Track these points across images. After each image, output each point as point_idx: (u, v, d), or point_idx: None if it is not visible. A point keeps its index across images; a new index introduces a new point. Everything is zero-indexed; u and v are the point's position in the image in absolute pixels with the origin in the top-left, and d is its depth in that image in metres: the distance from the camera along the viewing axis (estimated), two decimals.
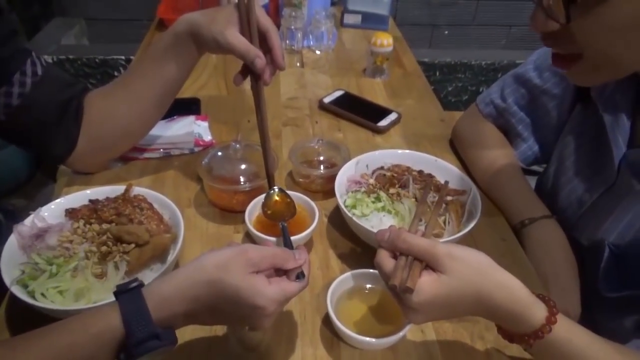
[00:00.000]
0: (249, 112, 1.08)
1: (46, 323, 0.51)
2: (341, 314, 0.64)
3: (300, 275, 0.56)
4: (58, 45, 2.23)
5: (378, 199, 0.78)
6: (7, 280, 0.63)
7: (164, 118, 0.91)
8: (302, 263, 0.56)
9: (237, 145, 0.86)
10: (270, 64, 0.76)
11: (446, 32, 2.49)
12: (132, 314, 0.49)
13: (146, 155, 0.94)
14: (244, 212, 0.77)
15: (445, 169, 0.85)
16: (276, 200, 0.77)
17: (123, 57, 2.17)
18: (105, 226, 0.70)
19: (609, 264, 0.71)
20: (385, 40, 1.22)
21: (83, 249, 0.67)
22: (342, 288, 0.68)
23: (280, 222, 0.72)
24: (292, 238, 0.74)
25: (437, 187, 0.80)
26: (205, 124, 1.03)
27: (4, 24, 0.74)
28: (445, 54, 2.33)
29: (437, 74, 2.30)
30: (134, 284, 0.51)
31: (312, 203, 0.79)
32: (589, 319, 0.73)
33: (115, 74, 2.21)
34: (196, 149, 0.97)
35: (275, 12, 1.55)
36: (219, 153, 0.87)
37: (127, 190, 0.76)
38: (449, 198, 0.79)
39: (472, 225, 0.73)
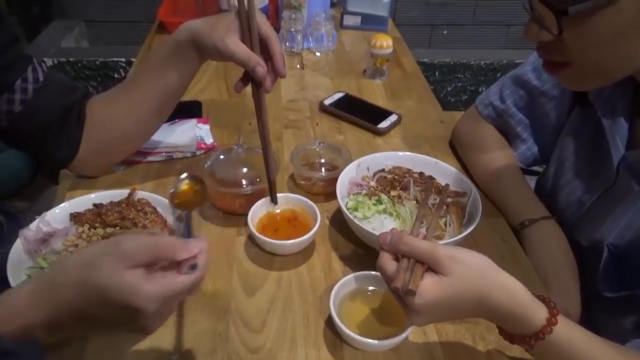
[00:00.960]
0: (250, 115, 1.08)
1: None
2: (344, 316, 0.65)
3: (193, 268, 0.49)
4: (58, 48, 2.23)
5: (379, 201, 0.79)
6: (14, 284, 0.63)
7: (166, 121, 0.91)
8: (196, 253, 0.49)
9: (240, 149, 0.86)
10: (272, 72, 0.76)
11: (445, 32, 2.50)
12: None
13: (149, 158, 0.95)
14: (246, 214, 0.78)
15: (445, 171, 0.86)
16: (184, 190, 0.68)
17: (123, 60, 2.18)
18: (109, 230, 0.71)
19: (608, 264, 0.71)
20: (385, 42, 1.22)
21: None
22: (344, 290, 0.68)
23: (187, 210, 0.64)
24: (295, 241, 0.75)
25: (438, 190, 0.81)
26: (206, 127, 1.03)
27: (5, 31, 0.75)
28: (444, 54, 2.34)
29: (436, 74, 2.31)
30: None
31: (314, 206, 0.80)
32: (589, 319, 0.74)
33: (116, 76, 2.21)
34: (198, 152, 0.98)
35: (274, 15, 1.55)
36: (222, 156, 0.88)
37: (130, 195, 0.76)
38: (449, 200, 0.80)
39: (472, 227, 0.74)
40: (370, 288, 0.69)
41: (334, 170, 0.89)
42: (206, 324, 0.68)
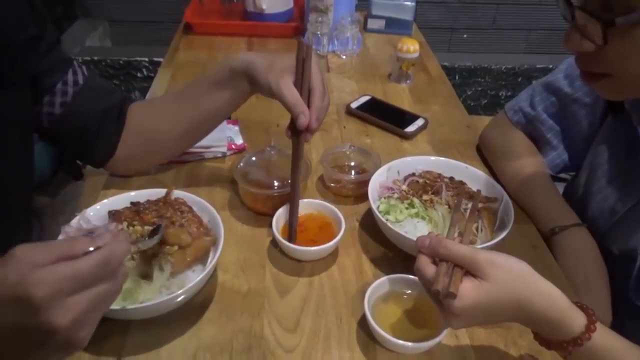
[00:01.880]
0: (277, 117, 1.10)
1: None
2: (377, 318, 0.65)
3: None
4: (82, 47, 2.26)
5: (412, 205, 0.80)
6: None
7: None
8: (100, 244, 0.46)
9: (272, 151, 0.88)
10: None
11: (465, 35, 2.49)
12: None
13: (183, 158, 0.96)
14: None
15: (475, 176, 0.86)
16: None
17: (146, 59, 2.20)
18: (147, 228, 0.72)
19: None
20: (411, 46, 1.23)
21: None
22: (377, 292, 0.69)
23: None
24: (318, 248, 0.75)
25: (469, 195, 0.81)
26: (236, 128, 1.05)
27: (48, 34, 0.76)
28: (465, 57, 2.33)
29: (457, 77, 2.31)
30: None
31: (339, 212, 0.80)
32: (620, 327, 0.73)
33: (139, 75, 2.24)
34: (228, 153, 1.00)
35: (300, 17, 1.57)
36: (254, 158, 0.89)
37: (168, 194, 0.78)
38: (480, 205, 0.80)
39: (505, 232, 0.74)
40: (403, 291, 0.70)
41: (364, 173, 0.90)
42: (242, 321, 0.69)
